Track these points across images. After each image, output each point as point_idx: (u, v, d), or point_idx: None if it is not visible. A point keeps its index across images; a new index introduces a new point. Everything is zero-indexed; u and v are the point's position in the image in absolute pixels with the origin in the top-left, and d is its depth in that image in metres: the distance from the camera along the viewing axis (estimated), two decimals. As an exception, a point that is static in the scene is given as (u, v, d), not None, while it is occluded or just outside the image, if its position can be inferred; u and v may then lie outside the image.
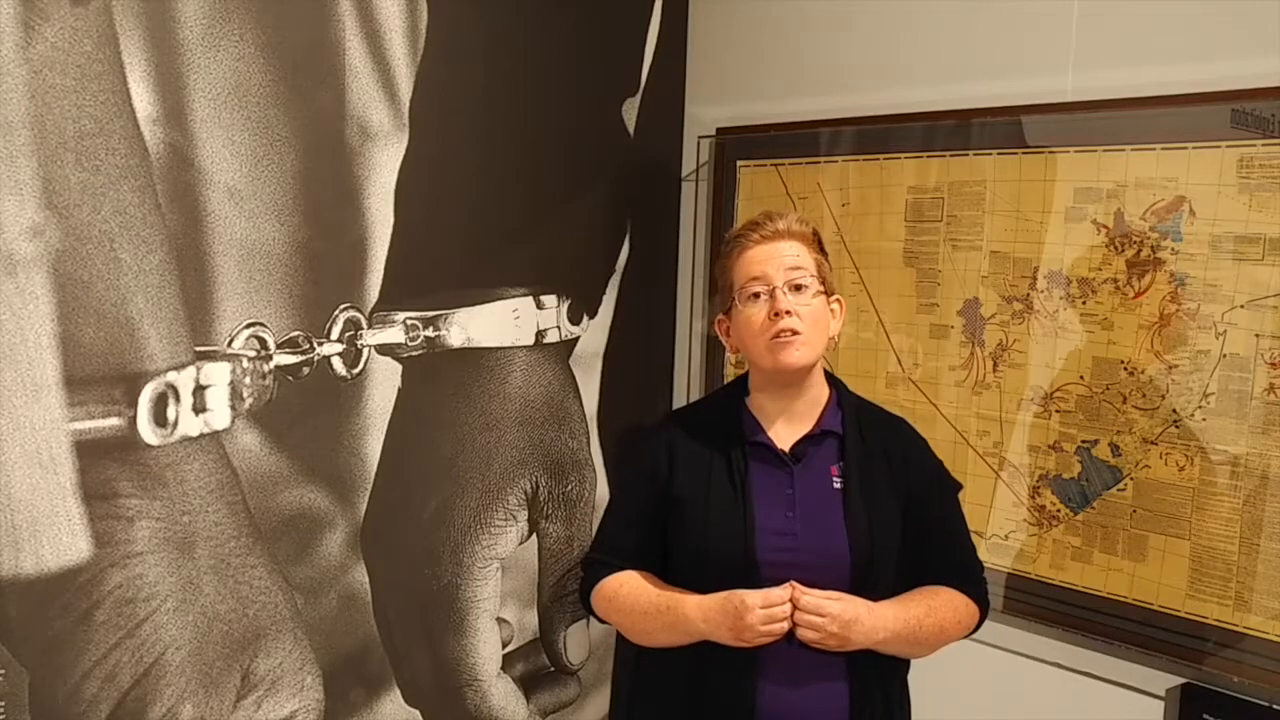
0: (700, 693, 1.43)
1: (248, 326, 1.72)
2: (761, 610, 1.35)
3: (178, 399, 1.61)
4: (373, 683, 1.99)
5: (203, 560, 1.67)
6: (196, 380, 1.64)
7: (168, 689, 1.63)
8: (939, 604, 1.46)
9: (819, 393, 1.51)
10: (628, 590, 1.49)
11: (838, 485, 1.45)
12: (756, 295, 1.45)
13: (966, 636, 1.53)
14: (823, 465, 1.47)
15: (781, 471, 1.46)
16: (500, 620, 2.17)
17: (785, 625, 1.36)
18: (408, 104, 1.92)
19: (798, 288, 1.44)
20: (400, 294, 1.93)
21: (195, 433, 1.64)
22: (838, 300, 1.51)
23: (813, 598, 1.36)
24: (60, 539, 1.50)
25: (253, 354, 1.72)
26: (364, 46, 1.84)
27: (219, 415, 1.67)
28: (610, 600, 1.51)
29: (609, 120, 2.35)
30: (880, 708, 1.45)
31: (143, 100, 1.55)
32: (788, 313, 1.42)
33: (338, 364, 1.86)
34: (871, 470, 1.47)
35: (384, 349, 1.93)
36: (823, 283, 1.47)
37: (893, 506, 1.47)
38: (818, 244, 1.51)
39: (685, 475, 1.48)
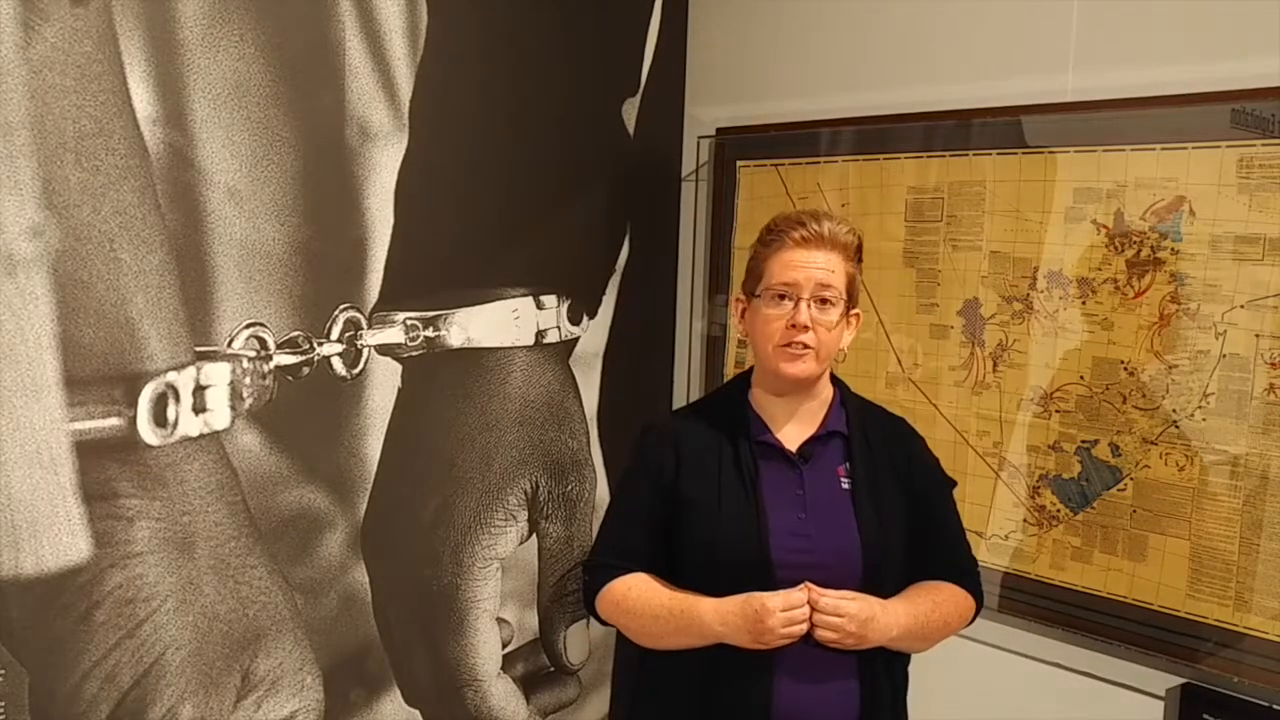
0: (712, 693, 1.43)
1: (248, 327, 1.72)
2: (782, 613, 1.35)
3: (178, 399, 1.61)
4: (373, 683, 1.99)
5: (203, 560, 1.67)
6: (196, 380, 1.64)
7: (168, 689, 1.63)
8: (942, 599, 1.49)
9: (824, 395, 1.52)
10: (636, 593, 1.48)
11: (846, 486, 1.47)
12: (782, 298, 1.45)
13: (962, 630, 1.55)
14: (830, 465, 1.48)
15: (791, 472, 1.47)
16: (500, 620, 2.17)
17: (805, 626, 1.36)
18: (408, 104, 1.92)
19: (823, 302, 1.44)
20: (400, 294, 1.93)
21: (195, 433, 1.64)
22: (856, 313, 1.51)
23: (831, 598, 1.37)
24: (60, 539, 1.50)
25: (253, 354, 1.72)
26: (364, 46, 1.84)
27: (219, 415, 1.67)
28: (618, 604, 1.49)
29: (609, 120, 2.35)
30: (888, 701, 1.46)
31: (143, 100, 1.55)
32: (806, 327, 1.42)
33: (338, 364, 1.86)
34: (877, 470, 1.49)
35: (384, 349, 1.93)
36: (848, 297, 1.47)
37: (899, 505, 1.48)
38: (856, 254, 1.50)
39: (693, 475, 1.48)
